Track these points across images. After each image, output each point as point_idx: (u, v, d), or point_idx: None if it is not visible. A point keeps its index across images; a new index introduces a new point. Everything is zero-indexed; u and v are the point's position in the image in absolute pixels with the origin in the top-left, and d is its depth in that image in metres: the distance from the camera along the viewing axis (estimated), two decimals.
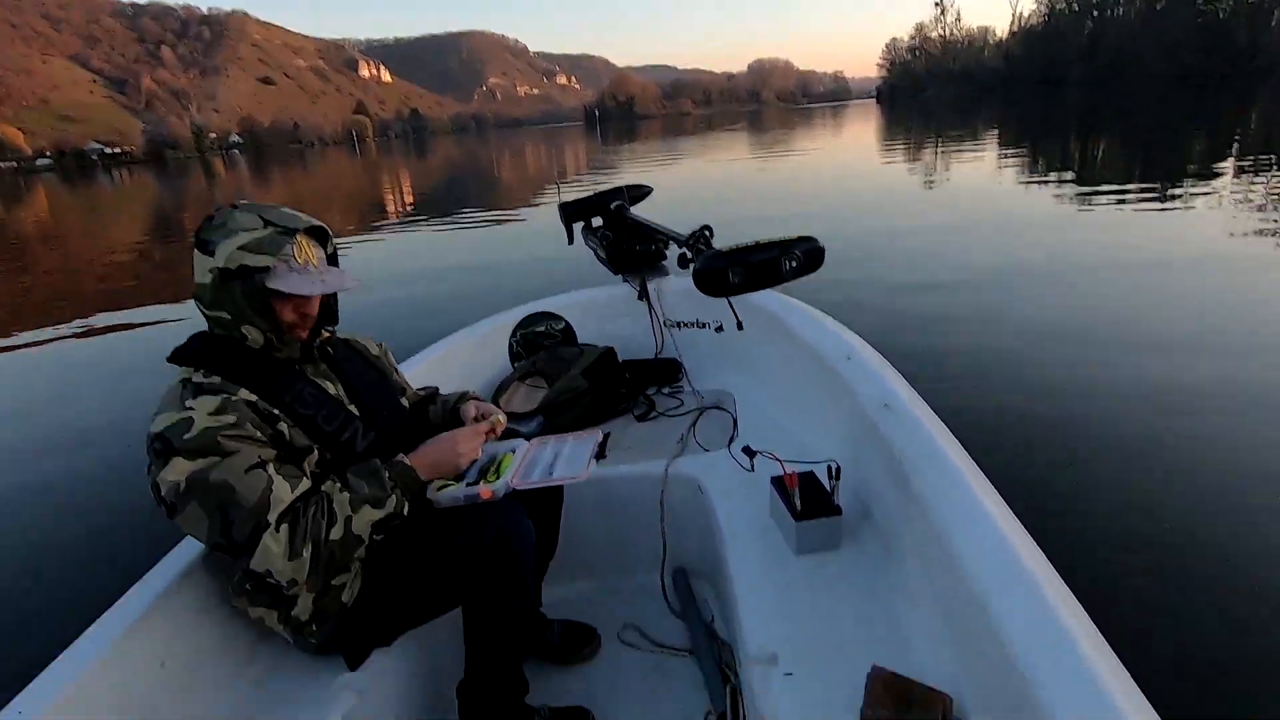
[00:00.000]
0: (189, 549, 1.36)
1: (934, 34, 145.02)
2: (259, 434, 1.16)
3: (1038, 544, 1.13)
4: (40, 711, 1.03)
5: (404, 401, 1.57)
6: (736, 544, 1.50)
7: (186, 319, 6.58)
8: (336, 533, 1.16)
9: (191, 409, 1.13)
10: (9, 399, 5.11)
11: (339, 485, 1.20)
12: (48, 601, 2.64)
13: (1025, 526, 1.19)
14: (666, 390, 2.41)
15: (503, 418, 1.55)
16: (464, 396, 1.62)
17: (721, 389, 2.32)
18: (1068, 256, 6.07)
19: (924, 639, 1.16)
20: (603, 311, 2.63)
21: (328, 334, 1.42)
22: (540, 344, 2.54)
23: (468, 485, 1.38)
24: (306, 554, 1.13)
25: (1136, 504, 2.54)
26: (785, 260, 1.56)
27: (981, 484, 1.25)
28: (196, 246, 1.20)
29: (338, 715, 1.23)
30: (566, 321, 2.59)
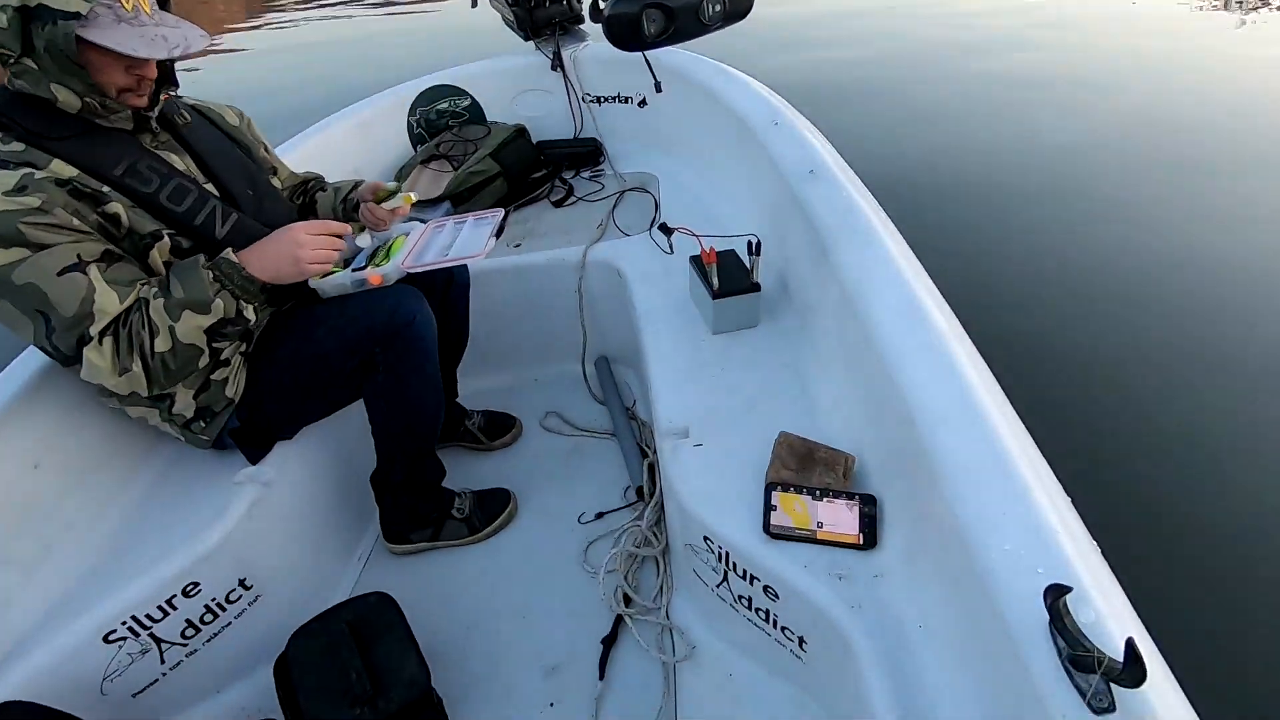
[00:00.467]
0: None
1: None
2: (76, 221, 0.97)
3: (956, 314, 1.11)
4: None
5: (276, 182, 1.36)
6: (654, 327, 1.45)
7: None
8: (162, 344, 1.00)
9: None
10: None
11: (156, 289, 1.01)
12: None
13: (944, 295, 1.16)
14: (586, 174, 2.22)
15: (413, 195, 1.38)
16: (358, 184, 1.41)
17: (645, 171, 2.15)
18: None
19: (833, 405, 1.17)
20: (513, 84, 2.33)
21: (166, 97, 1.16)
22: (444, 124, 2.27)
23: (354, 271, 1.25)
24: (136, 368, 0.99)
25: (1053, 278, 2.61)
26: (707, 4, 1.34)
27: (902, 250, 1.20)
28: None
29: (244, 505, 1.19)
30: (472, 97, 2.30)
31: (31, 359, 1.20)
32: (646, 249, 1.71)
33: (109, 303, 0.97)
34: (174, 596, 1.11)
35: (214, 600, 1.16)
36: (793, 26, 5.83)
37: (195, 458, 1.30)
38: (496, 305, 1.75)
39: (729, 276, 1.38)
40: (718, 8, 1.35)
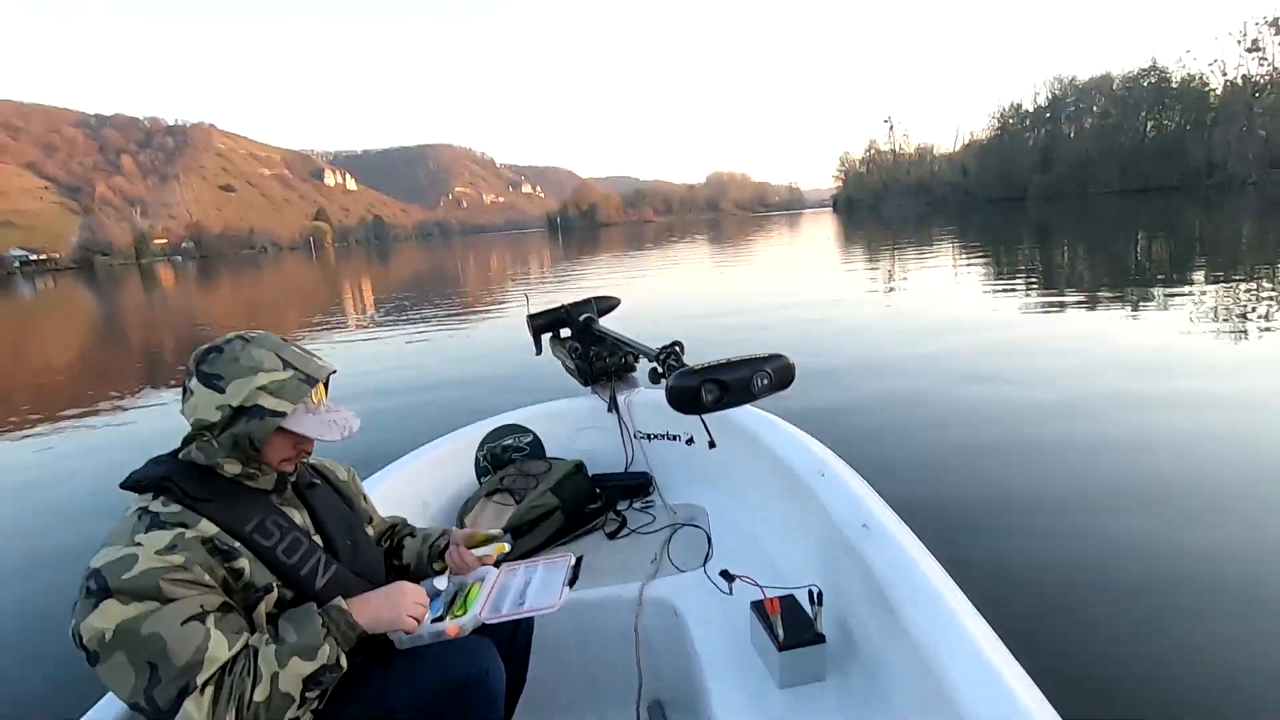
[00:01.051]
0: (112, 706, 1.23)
1: (885, 148, 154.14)
2: (207, 577, 1.06)
3: (1022, 665, 1.09)
4: None
5: (369, 530, 1.49)
6: (716, 674, 1.42)
7: (129, 436, 6.34)
8: (261, 693, 1.02)
9: (139, 544, 1.03)
10: None
11: (267, 637, 1.07)
12: None
13: (1010, 648, 1.15)
14: (638, 505, 2.35)
15: (507, 544, 1.48)
16: (445, 533, 1.53)
17: (694, 504, 2.27)
18: (1037, 360, 6.24)
19: None
20: (572, 423, 2.60)
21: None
22: (508, 458, 2.49)
23: (433, 621, 1.30)
24: (230, 718, 1.00)
25: (1121, 605, 2.50)
26: (757, 378, 1.57)
27: (965, 608, 1.22)
28: (199, 379, 1.13)
29: None
30: (534, 434, 2.55)
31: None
32: (702, 588, 1.74)
33: (220, 651, 1.01)
34: None
35: None
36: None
37: None
38: (549, 641, 1.74)
39: (792, 626, 1.39)
40: (765, 381, 1.58)
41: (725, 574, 1.51)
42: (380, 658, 1.26)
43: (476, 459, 2.49)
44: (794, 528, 1.79)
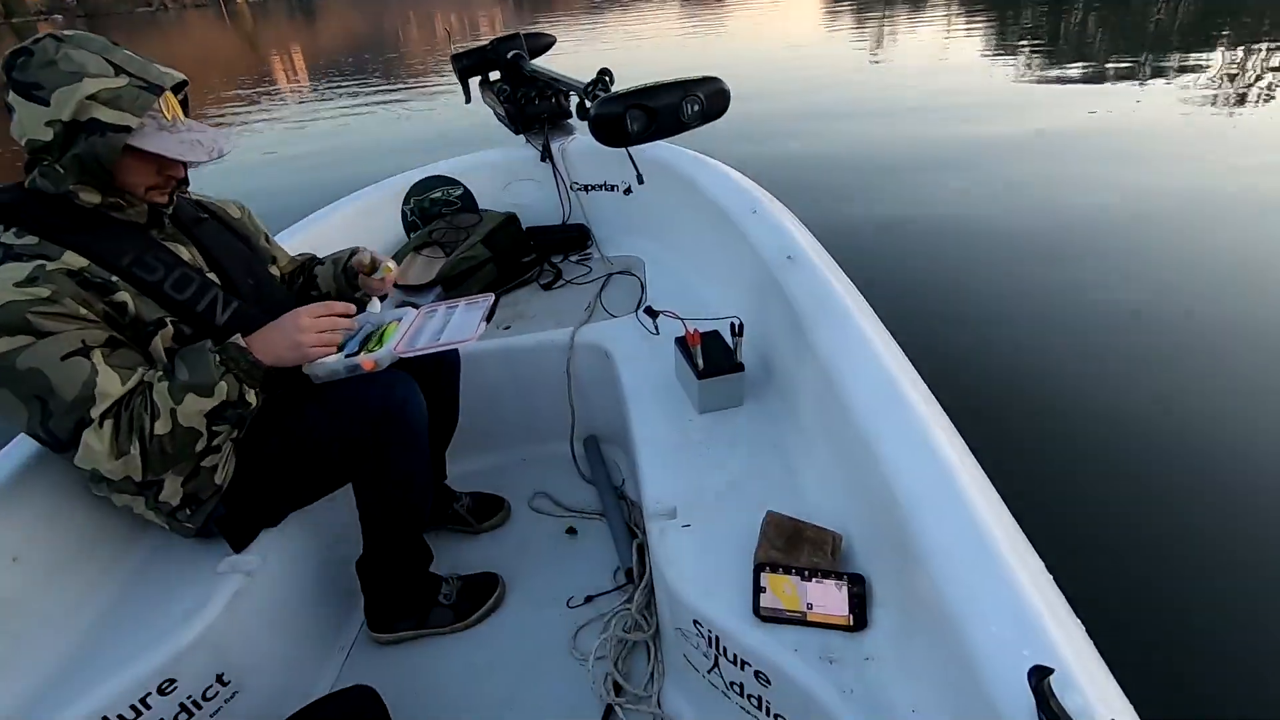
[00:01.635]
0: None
1: None
2: (84, 310, 1.00)
3: (934, 394, 1.14)
4: None
5: (274, 270, 1.41)
6: (641, 407, 1.48)
7: None
8: (162, 427, 1.01)
9: None
10: None
11: (160, 373, 1.04)
12: None
13: (921, 374, 1.19)
14: (575, 258, 2.30)
15: (393, 264, 1.42)
16: (355, 251, 1.45)
17: (631, 254, 2.23)
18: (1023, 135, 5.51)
19: (817, 484, 1.19)
20: (504, 175, 2.43)
21: (181, 193, 1.22)
22: (437, 212, 2.35)
23: (347, 355, 1.28)
24: (134, 451, 1.00)
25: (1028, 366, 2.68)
26: (687, 104, 1.43)
27: (877, 330, 1.24)
28: (16, 90, 0.97)
29: (225, 596, 1.17)
30: (465, 186, 2.40)
31: (12, 452, 1.20)
32: (633, 330, 1.76)
33: (111, 386, 0.99)
34: (148, 695, 1.07)
35: (189, 698, 1.12)
36: (768, 120, 6.15)
37: (178, 547, 1.28)
38: (486, 387, 1.78)
39: (713, 357, 1.42)
40: (695, 108, 1.44)
41: (649, 311, 1.51)
42: (299, 391, 1.26)
43: (403, 213, 2.35)
44: (722, 266, 1.78)
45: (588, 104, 1.78)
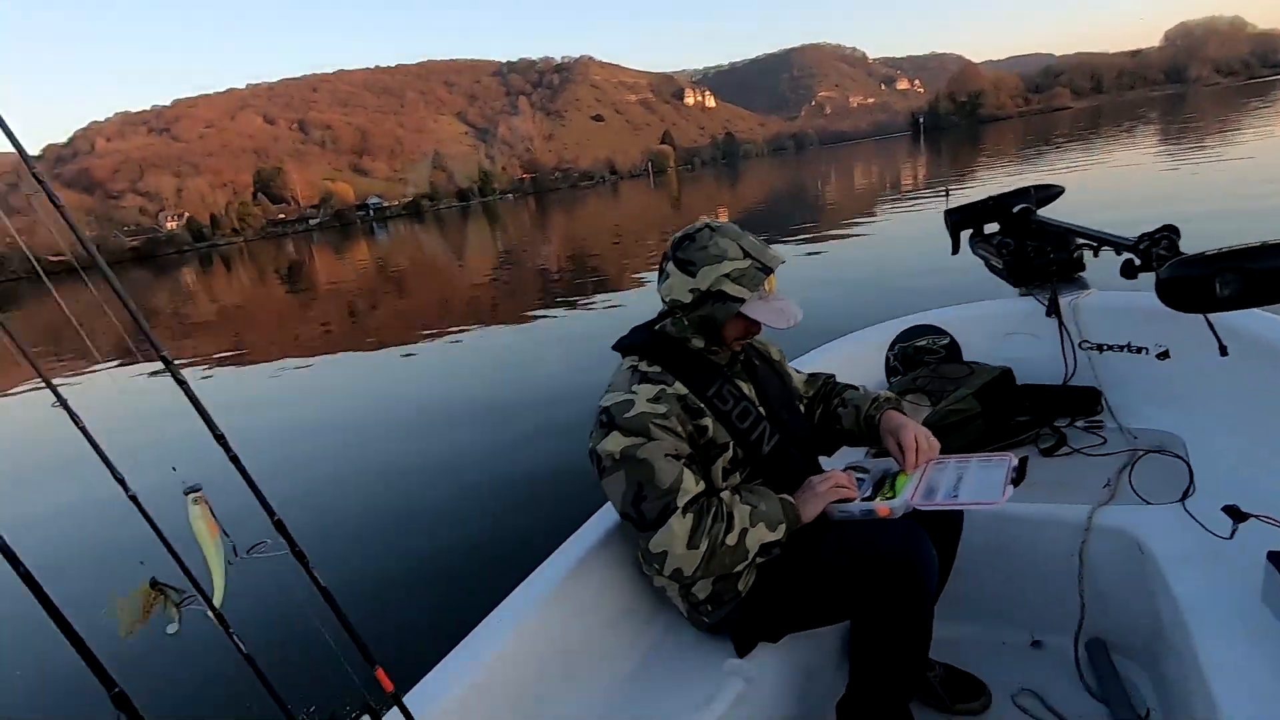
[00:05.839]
0: (607, 517, 1.57)
1: None
2: (681, 429, 1.29)
3: None
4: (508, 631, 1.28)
5: (800, 406, 1.59)
6: (1206, 633, 1.17)
7: (617, 313, 7.99)
8: (732, 539, 1.22)
9: (635, 393, 1.30)
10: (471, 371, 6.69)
11: (738, 498, 1.27)
12: (514, 519, 3.48)
13: None
14: (1081, 424, 2.03)
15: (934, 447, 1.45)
16: (878, 403, 1.54)
17: (1164, 429, 1.86)
18: None
19: None
20: (995, 328, 2.33)
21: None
22: (921, 359, 2.37)
23: (863, 500, 1.33)
24: (702, 548, 1.21)
25: None
26: None
27: None
28: (675, 264, 1.34)
29: (729, 697, 1.28)
30: (951, 336, 2.37)
31: (588, 533, 1.54)
32: (1180, 524, 1.44)
33: (691, 486, 1.25)
34: None
35: None
36: None
37: (687, 632, 1.47)
38: (974, 549, 1.65)
39: None
40: None
41: (1232, 510, 1.21)
42: (819, 522, 1.36)
43: (887, 358, 2.43)
44: None
45: (1136, 261, 1.61)
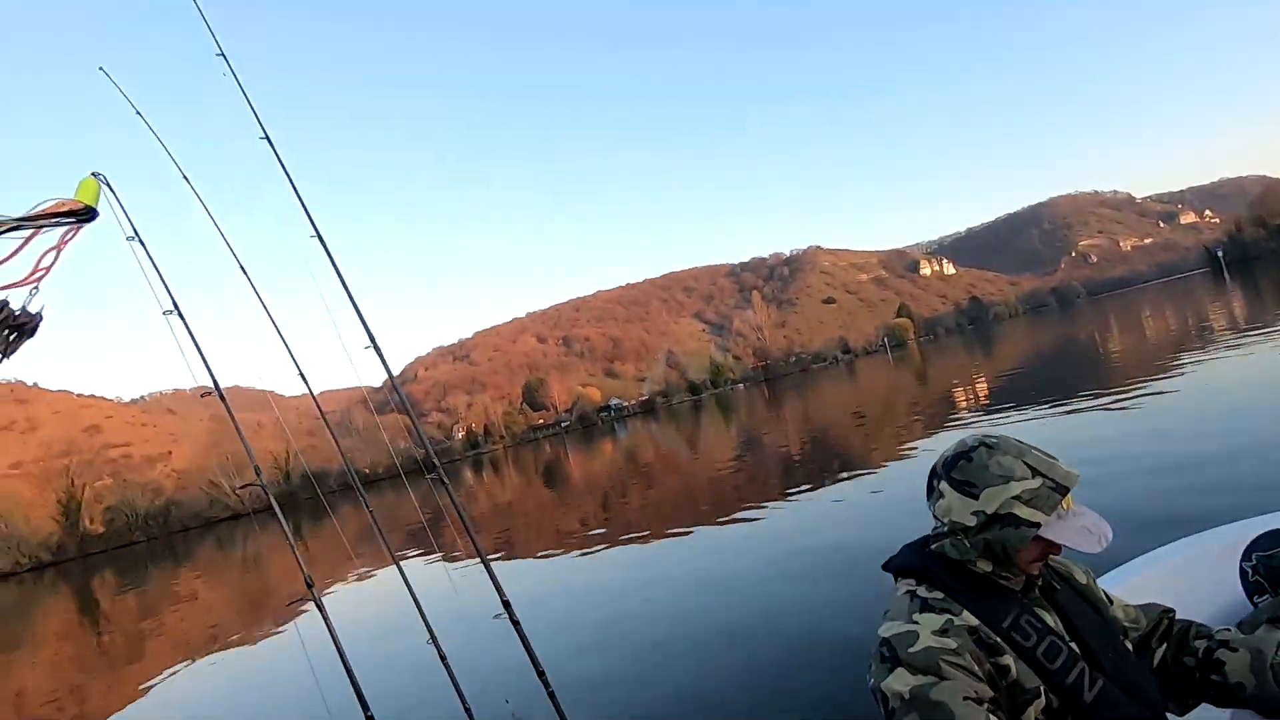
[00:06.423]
0: None
1: None
2: (976, 667, 1.10)
3: None
4: None
5: (1128, 644, 1.28)
6: None
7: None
8: None
9: (917, 623, 1.15)
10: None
11: None
12: None
13: None
14: None
15: None
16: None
17: None
18: None
19: None
20: None
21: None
22: None
23: None
24: None
25: None
26: None
27: None
28: (951, 484, 1.23)
29: None
30: None
31: None
32: None
33: None
34: None
35: None
36: None
37: None
38: None
39: None
40: None
41: None
42: None
43: (1243, 570, 1.89)
44: None
45: None
